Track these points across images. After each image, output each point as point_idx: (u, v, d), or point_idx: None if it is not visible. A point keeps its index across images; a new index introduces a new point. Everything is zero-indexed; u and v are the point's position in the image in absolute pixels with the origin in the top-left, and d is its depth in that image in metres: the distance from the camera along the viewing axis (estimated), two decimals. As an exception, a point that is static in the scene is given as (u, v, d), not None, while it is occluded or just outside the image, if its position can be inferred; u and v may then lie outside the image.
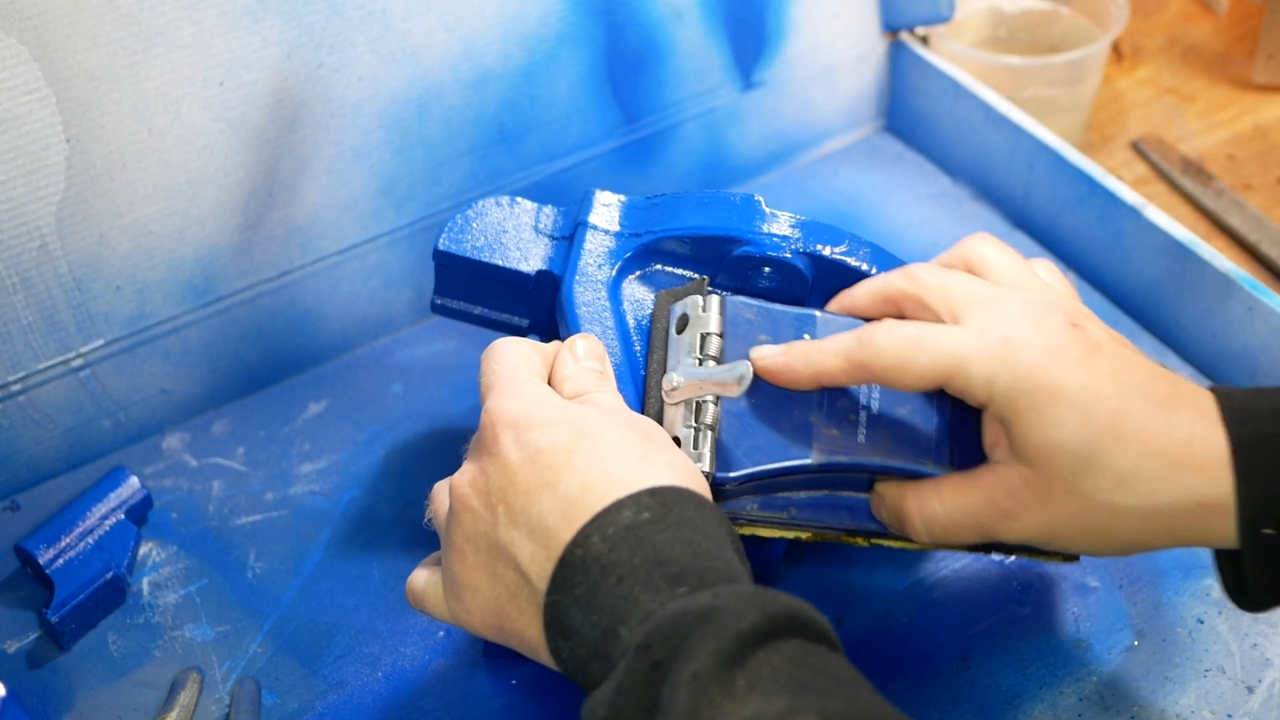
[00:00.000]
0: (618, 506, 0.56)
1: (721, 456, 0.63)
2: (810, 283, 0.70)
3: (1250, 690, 0.70)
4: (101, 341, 0.81)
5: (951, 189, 0.98)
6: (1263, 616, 0.72)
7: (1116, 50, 1.11)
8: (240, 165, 0.80)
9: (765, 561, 0.73)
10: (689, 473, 0.59)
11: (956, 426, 0.65)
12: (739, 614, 0.51)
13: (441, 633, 0.74)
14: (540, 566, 0.57)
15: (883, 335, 0.62)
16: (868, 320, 0.67)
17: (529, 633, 0.58)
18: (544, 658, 0.58)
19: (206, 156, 0.79)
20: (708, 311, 0.66)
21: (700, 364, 0.65)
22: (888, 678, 0.71)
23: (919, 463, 0.64)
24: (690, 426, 0.63)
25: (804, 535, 0.66)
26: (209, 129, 0.78)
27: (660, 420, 0.65)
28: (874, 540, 0.67)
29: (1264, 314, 0.80)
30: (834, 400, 0.65)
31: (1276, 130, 1.05)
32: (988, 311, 0.63)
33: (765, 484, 0.64)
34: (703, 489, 0.60)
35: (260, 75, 0.78)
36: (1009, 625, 0.73)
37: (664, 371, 0.66)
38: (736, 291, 0.71)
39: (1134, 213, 0.86)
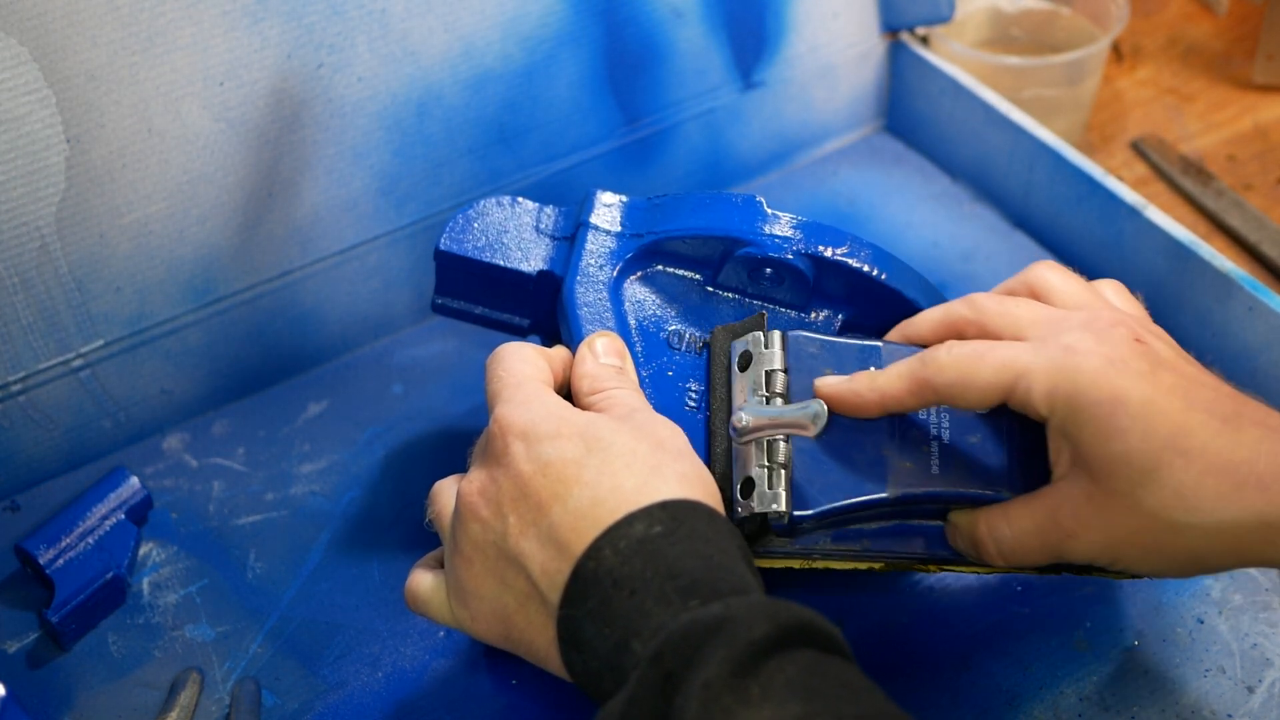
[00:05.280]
0: (629, 520, 0.56)
1: (797, 494, 0.62)
2: (812, 284, 0.70)
3: (1250, 690, 0.70)
4: (101, 342, 0.81)
5: (951, 189, 0.98)
6: (1263, 616, 0.72)
7: (1116, 50, 1.11)
8: (240, 165, 0.80)
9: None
10: (701, 484, 0.59)
11: (1026, 450, 0.64)
12: (750, 624, 0.51)
13: (442, 633, 0.74)
14: (551, 578, 0.57)
15: (945, 352, 0.62)
16: None
17: (537, 641, 0.59)
18: (552, 666, 0.59)
19: (206, 156, 0.79)
20: (771, 348, 0.65)
21: (767, 401, 0.64)
22: (888, 679, 0.70)
23: (992, 489, 0.64)
24: (763, 466, 0.62)
25: (877, 566, 0.66)
26: (209, 129, 0.78)
27: (729, 460, 0.64)
28: (946, 567, 0.67)
29: (1264, 314, 0.80)
30: (905, 431, 0.64)
31: (1276, 130, 1.05)
32: (1050, 329, 0.62)
33: (840, 519, 0.63)
34: (715, 500, 0.59)
35: (260, 75, 0.78)
36: (1009, 625, 0.73)
37: (729, 410, 0.65)
38: (737, 292, 0.71)
39: (1134, 213, 0.86)
